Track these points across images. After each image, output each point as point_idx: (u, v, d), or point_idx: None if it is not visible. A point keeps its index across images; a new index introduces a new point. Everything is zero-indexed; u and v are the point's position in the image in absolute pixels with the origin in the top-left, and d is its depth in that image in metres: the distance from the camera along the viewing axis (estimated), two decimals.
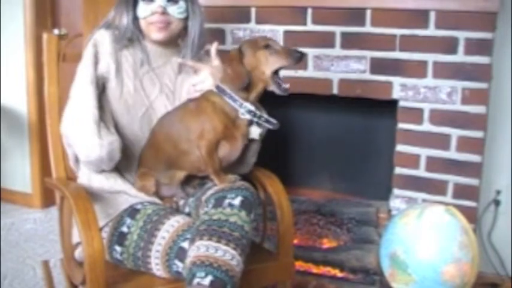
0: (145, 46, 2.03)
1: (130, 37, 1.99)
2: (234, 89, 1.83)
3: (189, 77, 2.07)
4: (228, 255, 1.63)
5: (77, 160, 2.03)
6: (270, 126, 1.89)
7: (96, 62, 1.93)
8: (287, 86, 1.84)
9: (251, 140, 1.92)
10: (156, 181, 1.95)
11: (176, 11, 1.97)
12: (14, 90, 3.72)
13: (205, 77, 1.99)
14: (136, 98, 1.98)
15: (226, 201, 1.73)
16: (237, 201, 1.73)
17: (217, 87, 1.86)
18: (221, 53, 2.03)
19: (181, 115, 1.91)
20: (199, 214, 1.79)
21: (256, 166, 2.07)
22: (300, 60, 1.80)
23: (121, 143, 1.87)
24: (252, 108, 1.84)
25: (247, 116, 1.84)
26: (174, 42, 2.06)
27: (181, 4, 1.98)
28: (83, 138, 1.80)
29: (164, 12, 1.95)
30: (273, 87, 1.84)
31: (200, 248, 1.64)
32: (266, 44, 1.82)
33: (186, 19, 2.01)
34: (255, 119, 1.85)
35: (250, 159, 2.01)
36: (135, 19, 1.99)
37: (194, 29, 2.03)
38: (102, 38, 1.96)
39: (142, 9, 1.96)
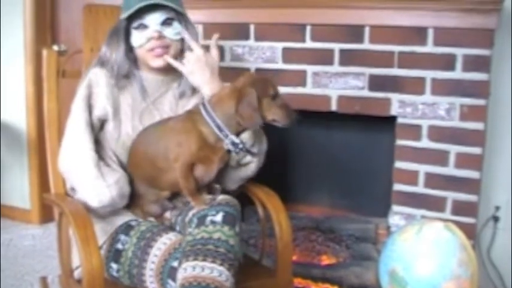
0: (142, 79, 1.99)
1: (127, 73, 1.96)
2: (244, 126, 1.81)
3: (190, 101, 2.04)
4: (215, 271, 1.62)
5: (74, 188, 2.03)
6: (250, 156, 1.91)
7: (90, 103, 1.91)
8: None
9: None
10: (143, 205, 1.94)
11: (172, 33, 1.94)
12: (13, 106, 3.73)
13: (192, 59, 1.94)
14: None
15: (208, 218, 1.72)
16: (218, 217, 1.72)
17: (209, 114, 1.80)
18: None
19: (160, 133, 1.88)
20: (185, 235, 1.78)
21: (254, 182, 2.08)
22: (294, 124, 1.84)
23: (126, 176, 1.89)
24: (237, 141, 1.82)
25: (230, 147, 1.82)
26: (173, 68, 1.99)
27: (176, 25, 1.94)
28: (88, 186, 1.82)
29: (161, 36, 1.92)
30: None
31: (187, 270, 1.63)
32: (275, 94, 1.82)
33: (182, 40, 1.98)
34: (237, 150, 1.84)
35: (237, 182, 2.02)
36: (129, 50, 1.96)
37: (189, 49, 1.98)
38: (97, 78, 1.93)
39: (137, 38, 1.93)
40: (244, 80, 1.84)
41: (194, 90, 2.05)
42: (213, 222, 1.71)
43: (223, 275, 1.63)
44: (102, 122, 1.94)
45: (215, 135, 1.81)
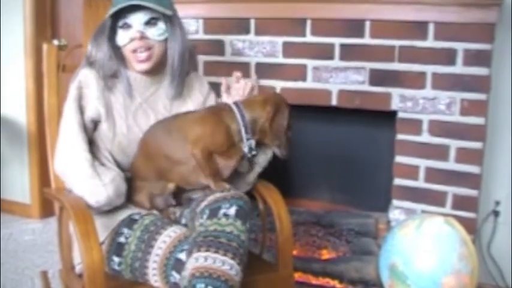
0: (129, 78, 1.98)
1: (114, 73, 1.96)
2: (270, 140, 1.91)
3: (185, 103, 2.06)
4: (226, 265, 1.63)
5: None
6: (252, 168, 1.96)
7: (81, 104, 1.91)
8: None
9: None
10: (150, 193, 1.94)
11: (156, 33, 1.92)
12: (13, 101, 3.72)
13: (241, 92, 2.08)
14: (130, 137, 1.95)
15: (221, 211, 1.72)
16: (232, 211, 1.72)
17: (241, 113, 1.87)
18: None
19: (180, 124, 1.89)
20: (195, 226, 1.78)
21: None
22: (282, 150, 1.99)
23: (122, 175, 1.89)
24: (253, 146, 1.88)
25: (246, 150, 1.88)
26: (161, 67, 2.00)
27: (161, 25, 1.93)
28: (84, 186, 1.82)
29: (143, 37, 1.90)
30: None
31: (198, 260, 1.63)
32: (290, 125, 1.95)
33: (166, 40, 1.96)
34: (249, 155, 1.89)
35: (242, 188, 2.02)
36: (116, 49, 1.95)
37: (173, 51, 1.97)
38: (87, 80, 1.93)
39: (121, 37, 1.92)
40: (277, 96, 1.94)
41: (191, 91, 2.07)
42: (226, 215, 1.71)
43: (234, 269, 1.63)
44: (96, 123, 1.94)
45: (239, 135, 1.85)
